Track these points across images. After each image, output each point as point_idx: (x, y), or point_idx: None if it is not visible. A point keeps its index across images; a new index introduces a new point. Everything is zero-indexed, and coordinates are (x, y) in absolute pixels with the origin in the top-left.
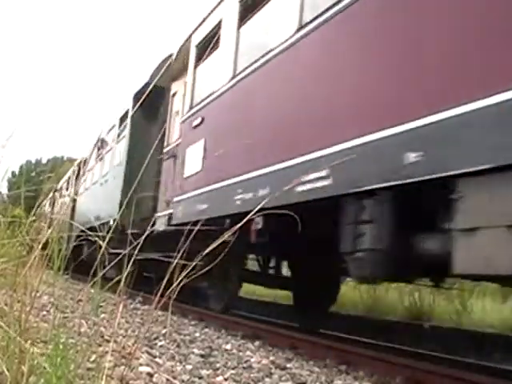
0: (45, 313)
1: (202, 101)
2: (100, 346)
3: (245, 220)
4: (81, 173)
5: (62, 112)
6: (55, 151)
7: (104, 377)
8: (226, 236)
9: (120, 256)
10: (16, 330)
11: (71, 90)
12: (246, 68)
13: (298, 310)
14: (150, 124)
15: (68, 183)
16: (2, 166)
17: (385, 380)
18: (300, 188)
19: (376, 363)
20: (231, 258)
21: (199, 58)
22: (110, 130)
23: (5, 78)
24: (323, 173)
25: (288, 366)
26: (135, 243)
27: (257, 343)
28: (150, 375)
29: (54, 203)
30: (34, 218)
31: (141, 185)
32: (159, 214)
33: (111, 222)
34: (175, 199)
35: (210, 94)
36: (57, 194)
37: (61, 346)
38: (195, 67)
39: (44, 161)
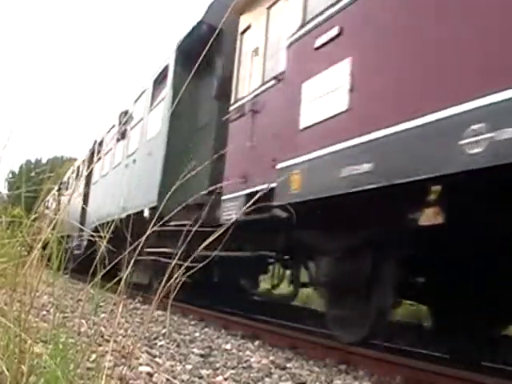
0: (45, 313)
1: (334, 4)
2: (100, 345)
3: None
4: (94, 158)
5: (62, 112)
6: (55, 151)
7: (104, 376)
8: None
9: (122, 255)
10: (16, 330)
11: (71, 89)
12: None
13: (449, 334)
14: (201, 80)
15: (77, 173)
16: (2, 166)
17: (385, 380)
18: None
19: (376, 363)
20: (385, 260)
21: None
22: (138, 98)
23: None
24: None
25: (288, 365)
26: (136, 239)
27: (257, 343)
28: (150, 375)
29: (59, 199)
30: (35, 216)
31: (192, 158)
32: (227, 197)
33: (146, 213)
34: (279, 166)
35: None
36: (62, 188)
37: (61, 346)
38: None
39: (44, 161)
